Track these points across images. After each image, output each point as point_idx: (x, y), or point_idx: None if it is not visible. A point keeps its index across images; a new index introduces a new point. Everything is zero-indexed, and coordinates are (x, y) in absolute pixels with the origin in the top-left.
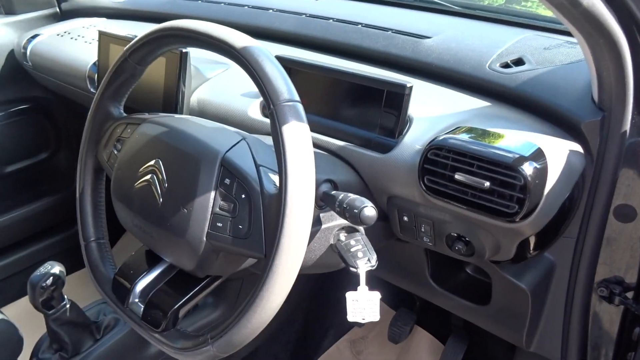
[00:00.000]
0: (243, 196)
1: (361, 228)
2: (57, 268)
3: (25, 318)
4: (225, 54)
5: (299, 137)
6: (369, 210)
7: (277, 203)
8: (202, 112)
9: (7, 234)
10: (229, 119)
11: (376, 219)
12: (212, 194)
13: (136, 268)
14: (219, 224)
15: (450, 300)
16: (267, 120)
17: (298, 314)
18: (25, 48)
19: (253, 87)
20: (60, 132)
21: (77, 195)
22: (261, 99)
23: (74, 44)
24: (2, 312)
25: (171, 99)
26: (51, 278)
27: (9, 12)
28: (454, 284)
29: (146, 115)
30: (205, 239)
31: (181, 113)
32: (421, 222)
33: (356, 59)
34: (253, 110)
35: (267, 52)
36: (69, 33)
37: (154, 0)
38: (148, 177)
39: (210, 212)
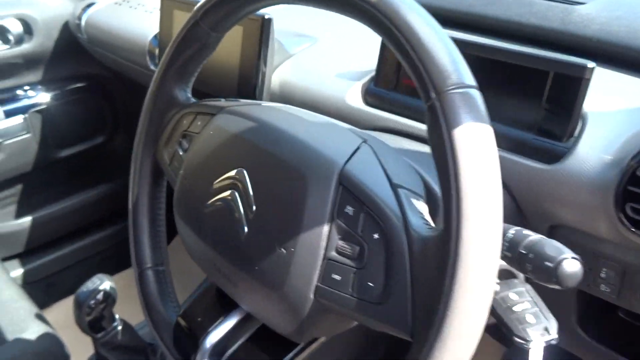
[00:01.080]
0: (375, 236)
1: (521, 274)
2: (107, 283)
3: (73, 322)
4: (354, 13)
5: (479, 145)
6: (572, 265)
7: (438, 251)
8: (285, 98)
9: (57, 225)
10: (319, 107)
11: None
12: (326, 228)
13: (206, 312)
14: (336, 276)
15: (599, 354)
16: (373, 111)
17: None
18: (79, 19)
19: (349, 67)
20: (118, 114)
21: (130, 205)
22: (364, 81)
23: (133, 14)
24: (49, 325)
25: (248, 81)
26: (101, 294)
27: None
28: (604, 331)
29: (223, 103)
30: (312, 296)
31: (260, 99)
32: (602, 265)
33: (478, 32)
34: (353, 96)
35: (426, 16)
36: (127, 1)
37: None
38: (227, 194)
39: (322, 257)
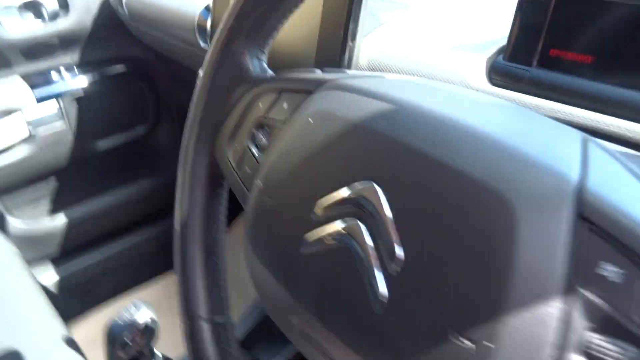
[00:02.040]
0: None
1: None
2: (146, 313)
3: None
4: None
5: None
6: None
7: None
8: None
9: (93, 225)
10: None
11: None
12: (558, 308)
13: None
14: None
15: None
16: (503, 93)
17: None
18: None
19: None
20: (162, 102)
21: (177, 226)
22: (488, 54)
23: None
24: (79, 350)
25: (330, 51)
26: (139, 327)
27: None
28: None
29: (322, 75)
30: None
31: None
32: None
33: None
34: (475, 74)
35: None
36: None
37: None
38: (343, 226)
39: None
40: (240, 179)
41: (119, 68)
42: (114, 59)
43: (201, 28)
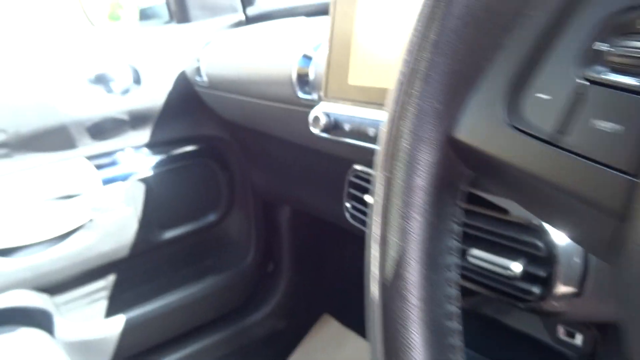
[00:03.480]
0: None
1: None
2: None
3: None
4: None
5: None
6: None
7: None
8: None
9: (159, 327)
10: None
11: None
12: None
13: None
14: None
15: None
16: None
17: None
18: (198, 60)
19: None
20: (236, 187)
21: (374, 289)
22: None
23: (265, 40)
24: None
25: None
26: None
27: (181, 20)
28: None
29: None
30: None
31: None
32: None
33: None
34: None
35: None
36: (260, 31)
37: None
38: None
39: None
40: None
41: (191, 148)
42: (186, 138)
43: (302, 78)
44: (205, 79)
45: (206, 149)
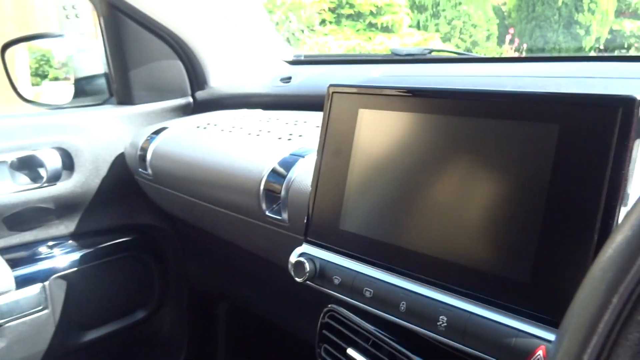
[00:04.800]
0: None
1: None
2: None
3: None
4: None
5: None
6: None
7: None
8: None
9: None
10: None
11: None
12: None
13: None
14: None
15: None
16: None
17: None
18: (144, 150)
19: None
20: (170, 280)
21: None
22: None
23: (230, 140)
24: None
25: None
26: None
27: (123, 101)
28: None
29: None
30: None
31: None
32: None
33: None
34: None
35: None
36: (215, 124)
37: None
38: None
39: None
40: None
41: (123, 239)
42: (118, 228)
43: (268, 193)
44: (149, 171)
45: (140, 240)
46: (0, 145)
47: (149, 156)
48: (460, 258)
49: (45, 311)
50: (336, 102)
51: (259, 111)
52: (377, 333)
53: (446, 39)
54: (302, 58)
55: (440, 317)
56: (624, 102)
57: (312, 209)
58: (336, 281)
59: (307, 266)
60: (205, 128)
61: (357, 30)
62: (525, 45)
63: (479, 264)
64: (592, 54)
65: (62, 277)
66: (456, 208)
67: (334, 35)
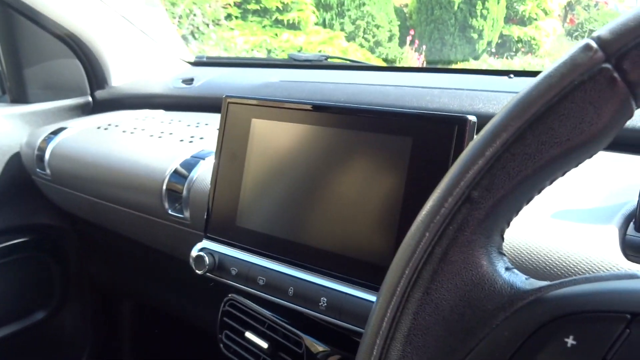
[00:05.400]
0: None
1: None
2: None
3: None
4: None
5: None
6: None
7: None
8: None
9: None
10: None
11: None
12: None
13: None
14: None
15: None
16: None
17: None
18: (42, 149)
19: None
20: (71, 280)
21: None
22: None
23: (130, 140)
24: None
25: None
26: None
27: (17, 99)
28: None
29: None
30: None
31: None
32: None
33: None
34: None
35: None
36: (116, 125)
37: (234, 85)
38: None
39: None
40: None
41: (19, 240)
42: (13, 228)
43: (171, 193)
44: (48, 172)
45: (38, 240)
46: None
47: (47, 156)
48: (339, 249)
49: None
50: (231, 111)
51: (161, 112)
52: (272, 317)
53: (350, 38)
54: (204, 59)
55: (322, 298)
56: (459, 121)
57: (211, 208)
58: (233, 272)
59: (207, 259)
60: (106, 129)
61: (264, 27)
62: (424, 47)
63: (352, 253)
64: (484, 57)
65: None
66: (334, 207)
67: (240, 30)
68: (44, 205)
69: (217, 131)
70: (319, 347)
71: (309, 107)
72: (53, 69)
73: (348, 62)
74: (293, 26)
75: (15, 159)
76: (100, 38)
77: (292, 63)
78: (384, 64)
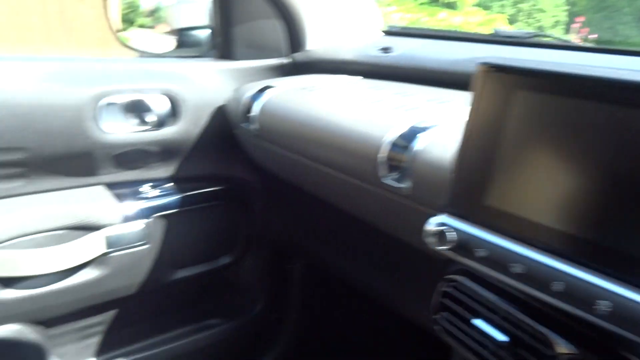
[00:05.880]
0: None
1: None
2: None
3: None
4: None
5: None
6: None
7: None
8: None
9: None
10: None
11: None
12: None
13: None
14: None
15: None
16: None
17: None
18: (248, 105)
19: None
20: (254, 233)
21: None
22: None
23: (343, 103)
24: None
25: None
26: None
27: (224, 55)
28: None
29: None
30: None
31: None
32: None
33: None
34: None
35: None
36: (321, 88)
37: (437, 57)
38: None
39: None
40: None
41: (215, 188)
42: (211, 177)
43: (391, 162)
44: (254, 126)
45: (230, 191)
46: (113, 87)
47: (255, 112)
48: (622, 246)
49: (145, 246)
50: (488, 81)
51: (359, 79)
52: (509, 308)
53: (511, 21)
54: (398, 29)
55: (599, 301)
56: None
57: (456, 183)
58: (480, 253)
59: (451, 235)
60: (311, 90)
61: (420, 4)
62: (594, 36)
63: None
64: None
65: (161, 216)
66: (617, 197)
67: (398, 5)
68: (240, 159)
69: (429, 102)
70: (567, 350)
71: (600, 80)
72: (258, 29)
73: (559, 40)
74: (450, 5)
75: (220, 112)
76: (305, 1)
77: (496, 39)
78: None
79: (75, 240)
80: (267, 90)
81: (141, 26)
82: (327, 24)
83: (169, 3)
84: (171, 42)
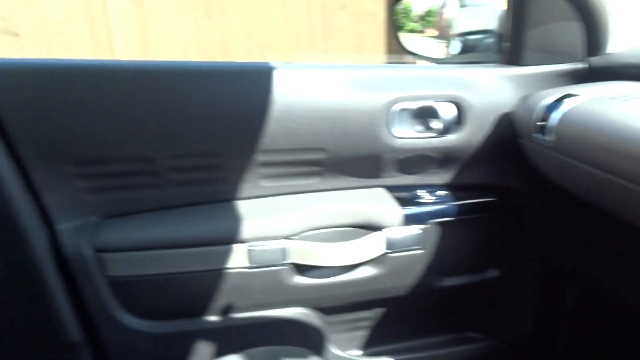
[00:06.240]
0: None
1: None
2: None
3: None
4: None
5: None
6: None
7: None
8: None
9: None
10: None
11: None
12: None
13: None
14: None
15: None
16: None
17: None
18: (546, 115)
19: None
20: (525, 247)
21: None
22: None
23: None
24: None
25: None
26: None
27: (511, 61)
28: None
29: None
30: None
31: None
32: None
33: None
34: None
35: None
36: (636, 98)
37: None
38: None
39: None
40: None
41: (490, 199)
42: (487, 186)
43: None
44: (552, 138)
45: (504, 202)
46: (407, 93)
47: (553, 123)
48: None
49: (420, 251)
50: None
51: None
52: None
53: None
54: None
55: None
56: None
57: None
58: None
59: None
60: (624, 99)
61: None
62: None
63: None
64: None
65: (437, 223)
66: None
67: None
68: (518, 169)
69: None
70: None
71: None
72: (551, 31)
73: None
74: None
75: (504, 120)
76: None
77: None
78: None
79: (361, 238)
80: (568, 99)
81: (411, 31)
82: (634, 24)
83: (440, 8)
84: (441, 47)
